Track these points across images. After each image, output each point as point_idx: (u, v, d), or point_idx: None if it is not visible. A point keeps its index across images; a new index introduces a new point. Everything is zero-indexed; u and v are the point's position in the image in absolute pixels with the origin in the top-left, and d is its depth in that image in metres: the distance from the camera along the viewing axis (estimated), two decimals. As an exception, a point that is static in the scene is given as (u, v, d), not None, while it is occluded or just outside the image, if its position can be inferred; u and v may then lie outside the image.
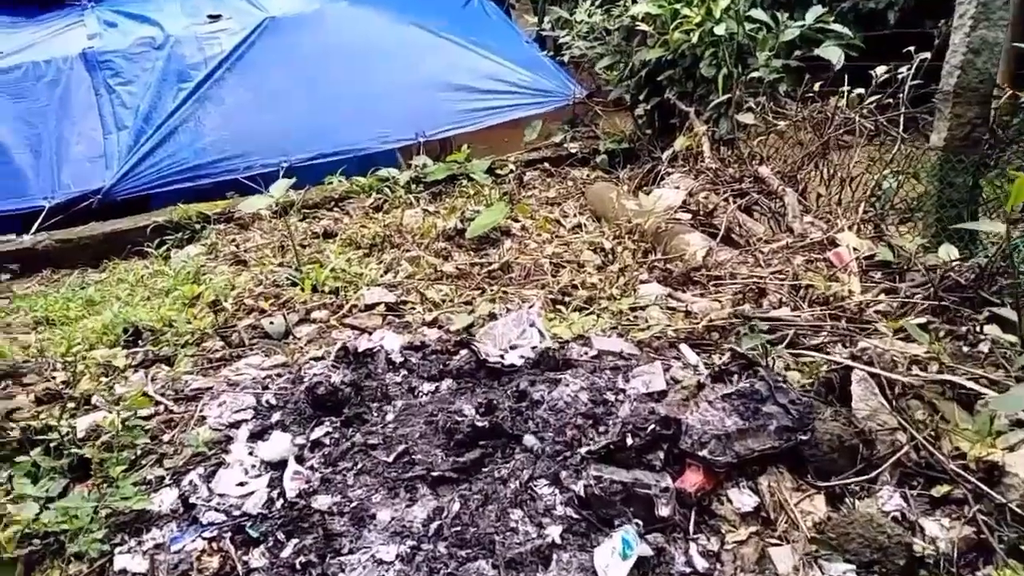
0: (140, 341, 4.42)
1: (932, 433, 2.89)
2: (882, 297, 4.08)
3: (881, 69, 5.22)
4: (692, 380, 3.29)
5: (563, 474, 2.77)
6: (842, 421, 2.91)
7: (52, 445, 3.32)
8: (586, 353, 3.69)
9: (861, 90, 5.34)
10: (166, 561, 2.70)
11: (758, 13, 6.09)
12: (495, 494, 2.74)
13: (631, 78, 7.10)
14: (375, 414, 3.32)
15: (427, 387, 3.53)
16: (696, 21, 6.17)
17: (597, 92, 8.28)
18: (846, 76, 5.55)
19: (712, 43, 6.18)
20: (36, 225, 6.64)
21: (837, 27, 5.99)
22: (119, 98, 7.31)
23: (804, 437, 2.77)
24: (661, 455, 2.79)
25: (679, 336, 3.85)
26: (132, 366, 4.11)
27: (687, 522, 2.65)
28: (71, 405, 3.74)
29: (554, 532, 2.58)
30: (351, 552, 2.57)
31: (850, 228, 5.08)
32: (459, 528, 2.61)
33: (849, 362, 3.17)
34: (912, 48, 5.10)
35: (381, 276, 5.04)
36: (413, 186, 6.61)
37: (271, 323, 4.32)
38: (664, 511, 2.62)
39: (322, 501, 2.81)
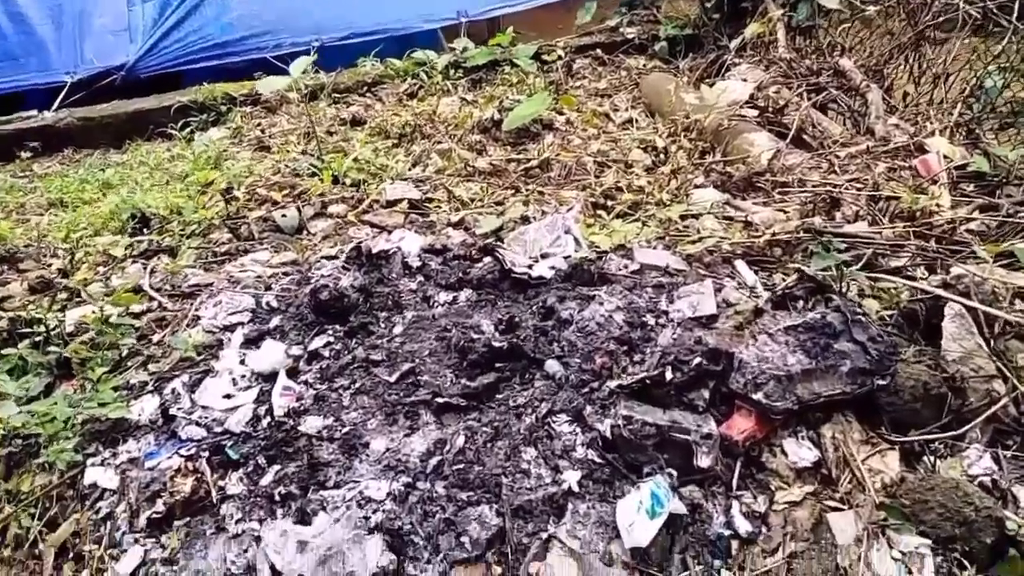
0: (146, 229, 4.08)
1: (1037, 383, 2.38)
2: (977, 214, 3.48)
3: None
4: (749, 304, 2.81)
5: (588, 409, 2.35)
6: (928, 363, 2.41)
7: (38, 340, 3.02)
8: (626, 267, 3.21)
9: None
10: (138, 479, 2.40)
11: None
12: (507, 428, 2.34)
13: (699, -45, 6.29)
14: (382, 325, 2.93)
15: (444, 297, 3.11)
16: None
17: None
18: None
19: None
20: (58, 101, 6.28)
21: None
22: (144, -34, 6.79)
23: (883, 382, 2.29)
24: (706, 394, 2.35)
25: (736, 251, 3.34)
26: (133, 256, 3.78)
27: (731, 475, 2.23)
28: (63, 296, 3.44)
29: (572, 478, 2.18)
30: (337, 486, 2.23)
31: (941, 132, 4.41)
32: (462, 465, 2.23)
33: (940, 291, 2.65)
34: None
35: (408, 169, 4.57)
36: (451, 71, 6.03)
37: (283, 216, 3.92)
38: (704, 461, 2.19)
39: (311, 423, 2.46)
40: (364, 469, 2.27)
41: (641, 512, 2.06)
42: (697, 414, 2.32)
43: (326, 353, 2.79)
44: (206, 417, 2.58)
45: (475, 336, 2.74)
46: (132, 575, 2.18)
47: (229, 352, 2.85)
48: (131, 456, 2.50)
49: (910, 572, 2.01)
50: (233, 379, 2.72)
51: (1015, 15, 4.43)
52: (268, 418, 2.54)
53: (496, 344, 2.65)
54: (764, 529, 2.12)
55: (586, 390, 2.45)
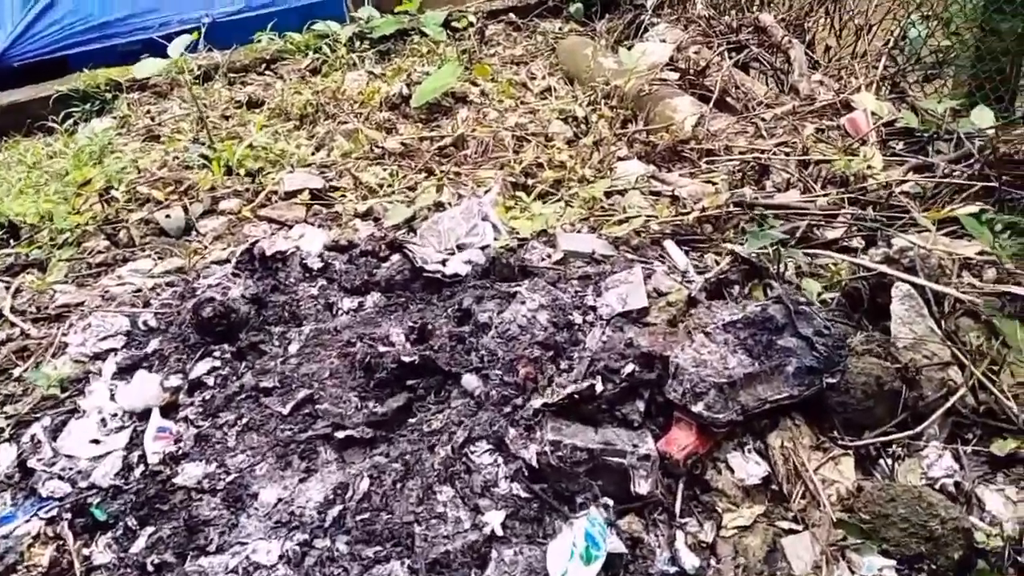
0: (14, 240, 3.56)
1: (991, 366, 2.16)
2: (912, 176, 3.26)
3: None
4: (682, 294, 2.52)
5: (511, 433, 2.03)
6: (878, 352, 2.16)
7: None
8: (549, 256, 2.88)
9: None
10: (-11, 551, 1.99)
11: None
12: (419, 464, 2.01)
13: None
14: (276, 342, 2.54)
15: (348, 303, 2.74)
16: None
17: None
18: None
19: None
20: (-81, 96, 5.57)
21: None
22: (10, -61, 6.05)
23: (832, 380, 2.03)
24: (641, 406, 2.06)
25: (664, 230, 3.05)
26: (-2, 273, 3.28)
27: (673, 500, 1.95)
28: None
29: (495, 519, 1.87)
30: (220, 550, 1.86)
31: (867, 87, 4.18)
32: (367, 515, 1.89)
33: (884, 268, 2.40)
34: None
35: (311, 154, 4.13)
36: (356, 44, 5.54)
37: (167, 216, 3.46)
38: (643, 487, 1.90)
39: (191, 472, 2.08)
40: (252, 526, 1.91)
41: (575, 559, 1.76)
42: (632, 430, 2.02)
43: (211, 381, 2.40)
44: (70, 469, 2.18)
45: (383, 349, 2.38)
46: None
47: (98, 386, 2.43)
48: (-20, 523, 2.08)
49: (875, 599, 1.77)
50: (102, 419, 2.31)
51: (936, -39, 4.20)
52: (142, 466, 2.15)
53: (406, 360, 2.30)
54: (713, 561, 1.85)
55: (509, 408, 2.13)
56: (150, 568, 1.86)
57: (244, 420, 2.21)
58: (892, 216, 2.92)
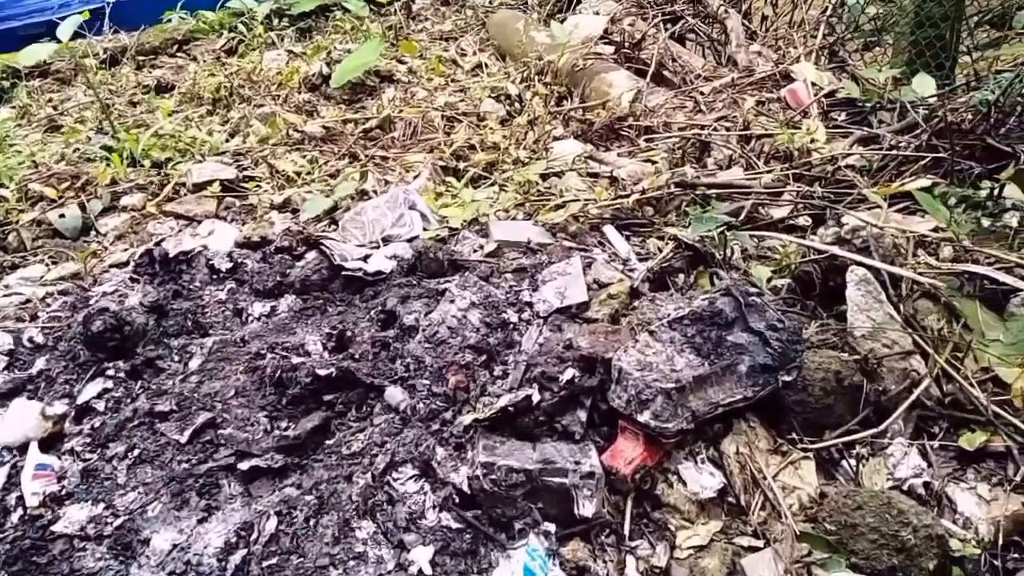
0: None
1: (955, 353, 1.99)
2: (857, 148, 3.09)
3: None
4: (623, 285, 2.29)
5: (439, 455, 1.78)
6: (835, 343, 1.98)
7: None
8: (481, 247, 2.63)
9: None
10: None
11: None
12: (335, 496, 1.74)
13: None
14: (176, 357, 2.24)
15: (259, 308, 2.45)
16: None
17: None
18: None
19: None
20: None
21: None
22: None
23: (788, 378, 1.84)
24: (582, 416, 1.83)
25: (603, 214, 2.82)
26: None
27: (621, 519, 1.73)
28: None
29: (422, 557, 1.62)
30: (104, 613, 1.58)
31: (806, 57, 4.01)
32: (275, 560, 1.63)
33: (835, 250, 2.21)
34: None
35: (225, 142, 3.78)
36: (275, 21, 5.16)
37: (61, 216, 3.09)
38: (588, 508, 1.68)
39: (74, 516, 1.78)
40: (143, 579, 1.63)
41: (513, 598, 1.53)
42: (574, 443, 1.79)
43: (101, 406, 2.09)
44: (-67, 518, 1.85)
45: (297, 361, 2.10)
46: None
47: (-29, 417, 2.10)
48: None
49: (845, 621, 1.59)
50: (-24, 457, 1.99)
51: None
52: (21, 510, 1.84)
53: (322, 371, 2.03)
54: (668, 588, 1.64)
55: (437, 424, 1.88)
56: (21, 637, 1.57)
57: (136, 451, 1.92)
58: (840, 192, 2.74)
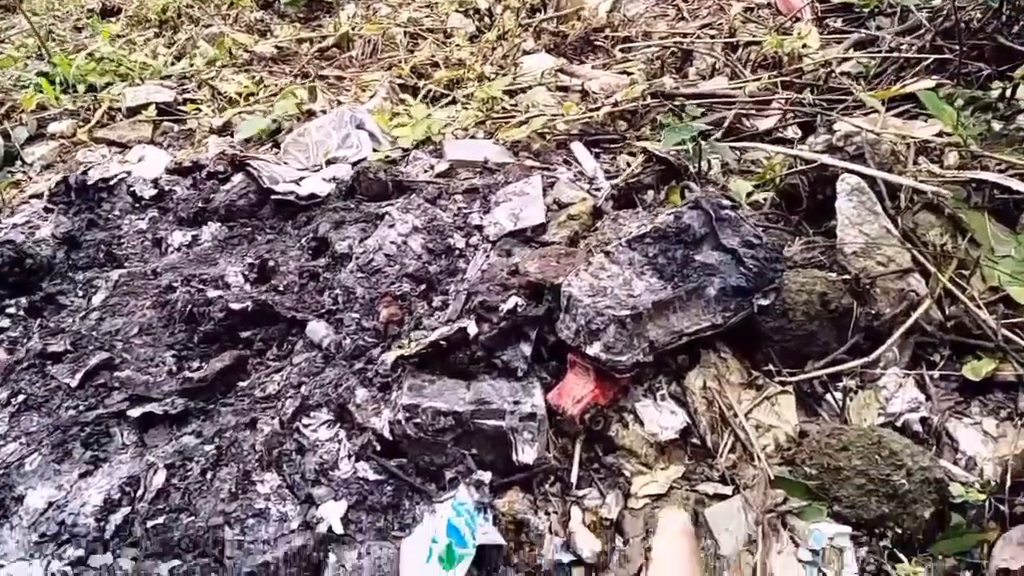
0: None
1: (960, 271, 1.71)
2: (853, 52, 2.76)
3: None
4: (585, 205, 2.00)
5: (359, 397, 1.53)
6: (821, 262, 1.70)
7: None
8: (432, 168, 2.34)
9: None
10: None
11: None
12: (236, 445, 1.49)
13: None
14: (80, 292, 1.97)
15: (179, 238, 2.17)
16: None
17: None
18: None
19: None
20: None
21: None
22: None
23: (765, 302, 1.56)
24: (526, 350, 1.56)
25: (571, 130, 2.51)
26: None
27: (569, 465, 1.48)
28: None
29: (333, 513, 1.38)
30: (-36, 581, 1.35)
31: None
32: (162, 519, 1.38)
33: (825, 158, 1.91)
34: None
35: (171, 65, 3.45)
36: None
37: (-19, 146, 2.79)
38: (528, 454, 1.43)
39: (-56, 472, 1.54)
40: (13, 541, 1.39)
41: (433, 561, 1.29)
42: (516, 381, 1.53)
43: (-6, 347, 1.84)
44: None
45: (213, 294, 1.84)
46: None
47: None
48: None
49: (825, 578, 1.34)
50: None
51: None
52: None
53: (235, 305, 1.76)
54: (619, 543, 1.40)
55: (362, 363, 1.62)
56: None
57: (22, 396, 1.66)
58: (833, 101, 2.42)
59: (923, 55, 2.51)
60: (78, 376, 1.67)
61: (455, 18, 3.64)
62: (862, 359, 1.57)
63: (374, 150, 2.52)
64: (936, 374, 1.60)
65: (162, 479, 1.43)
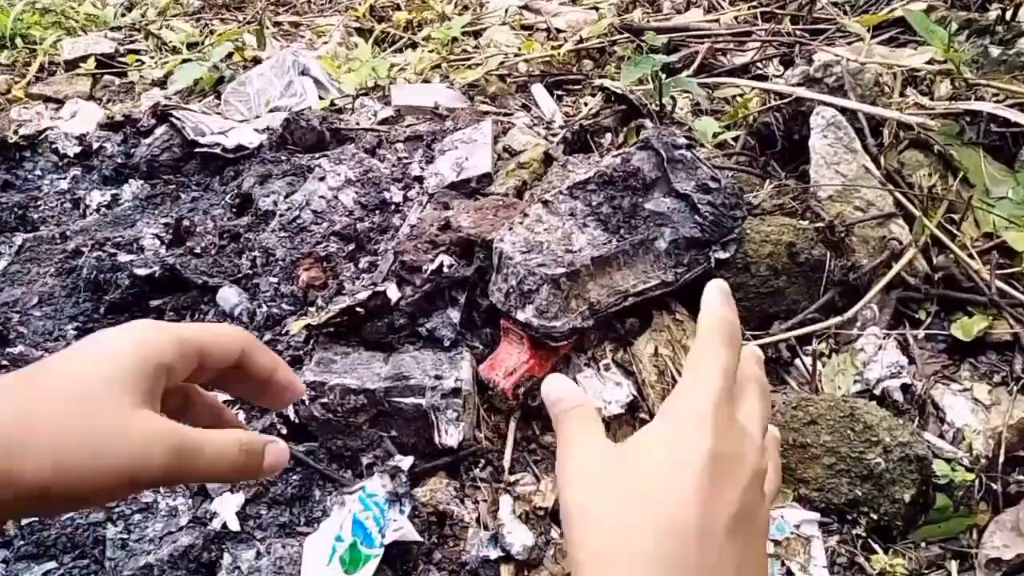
0: None
1: (949, 215, 1.49)
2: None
3: None
4: (536, 151, 1.77)
5: (265, 372, 1.32)
6: (791, 209, 1.47)
7: None
8: (376, 115, 2.10)
9: None
10: None
11: None
12: (125, 431, 1.30)
13: None
14: (-17, 261, 1.77)
15: (98, 197, 1.95)
16: None
17: None
18: None
19: None
20: None
21: None
22: None
23: (724, 255, 1.34)
24: (454, 317, 1.35)
25: (532, 71, 2.26)
26: None
27: (501, 448, 1.28)
28: None
29: (226, 508, 1.19)
30: None
31: None
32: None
33: (801, 91, 1.67)
34: None
35: (120, 16, 3.19)
36: None
37: (-95, 104, 2.57)
38: (452, 435, 1.23)
39: None
40: None
41: (335, 563, 1.10)
42: (442, 352, 1.33)
43: None
44: None
45: (124, 259, 1.63)
46: None
47: None
48: None
49: (789, 573, 1.15)
50: None
51: None
52: None
53: (141, 271, 1.56)
54: (555, 534, 1.20)
55: (275, 333, 1.42)
56: None
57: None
58: (817, 30, 2.16)
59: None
60: (-38, 355, 1.47)
61: (420, -44, 3.34)
62: (836, 318, 1.36)
63: (320, 98, 2.29)
64: (921, 334, 1.38)
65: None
